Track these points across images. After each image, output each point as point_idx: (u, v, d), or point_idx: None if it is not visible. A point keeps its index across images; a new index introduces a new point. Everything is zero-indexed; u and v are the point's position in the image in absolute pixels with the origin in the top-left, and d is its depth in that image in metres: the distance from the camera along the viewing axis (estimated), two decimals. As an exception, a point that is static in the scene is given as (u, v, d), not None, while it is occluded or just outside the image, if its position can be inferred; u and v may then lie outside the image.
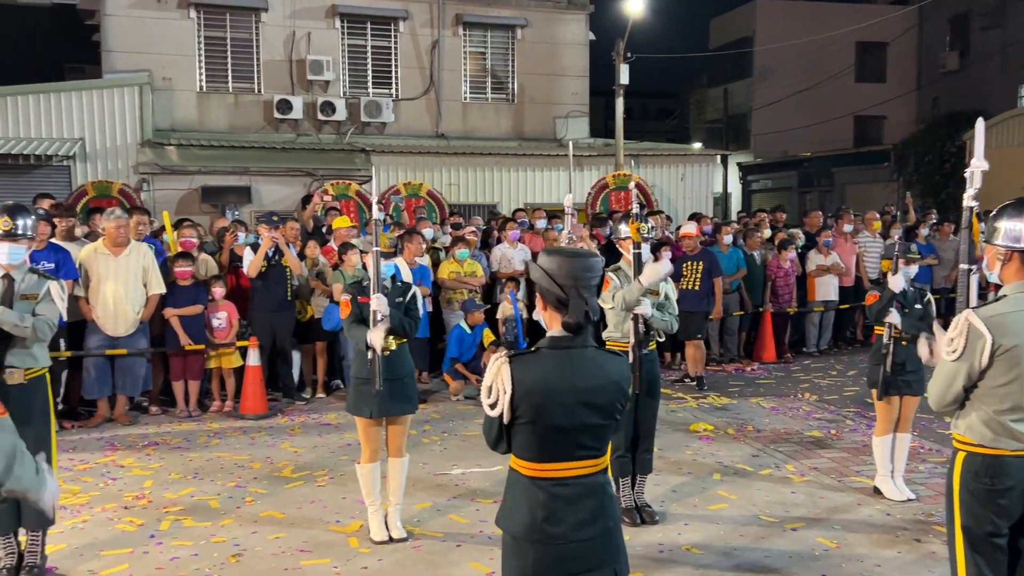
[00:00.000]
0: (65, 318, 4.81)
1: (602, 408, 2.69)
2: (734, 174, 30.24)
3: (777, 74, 28.36)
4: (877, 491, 5.83)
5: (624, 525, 5.07)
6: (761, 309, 10.73)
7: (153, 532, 5.22)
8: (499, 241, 10.43)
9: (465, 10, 16.06)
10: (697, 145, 23.86)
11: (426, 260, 9.24)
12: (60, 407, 7.37)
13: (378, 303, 4.90)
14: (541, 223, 10.96)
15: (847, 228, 11.53)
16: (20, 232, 4.50)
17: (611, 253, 9.95)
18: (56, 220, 7.94)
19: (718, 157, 20.60)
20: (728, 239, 10.44)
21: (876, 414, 5.92)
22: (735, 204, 29.18)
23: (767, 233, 11.45)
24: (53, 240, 7.71)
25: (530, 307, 9.83)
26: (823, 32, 24.89)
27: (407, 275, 5.76)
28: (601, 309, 4.76)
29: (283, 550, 4.95)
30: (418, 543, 5.05)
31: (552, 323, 2.77)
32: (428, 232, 10.18)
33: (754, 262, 10.67)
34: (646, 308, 5.16)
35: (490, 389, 2.68)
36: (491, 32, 16.48)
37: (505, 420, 2.67)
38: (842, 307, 11.35)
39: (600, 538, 2.72)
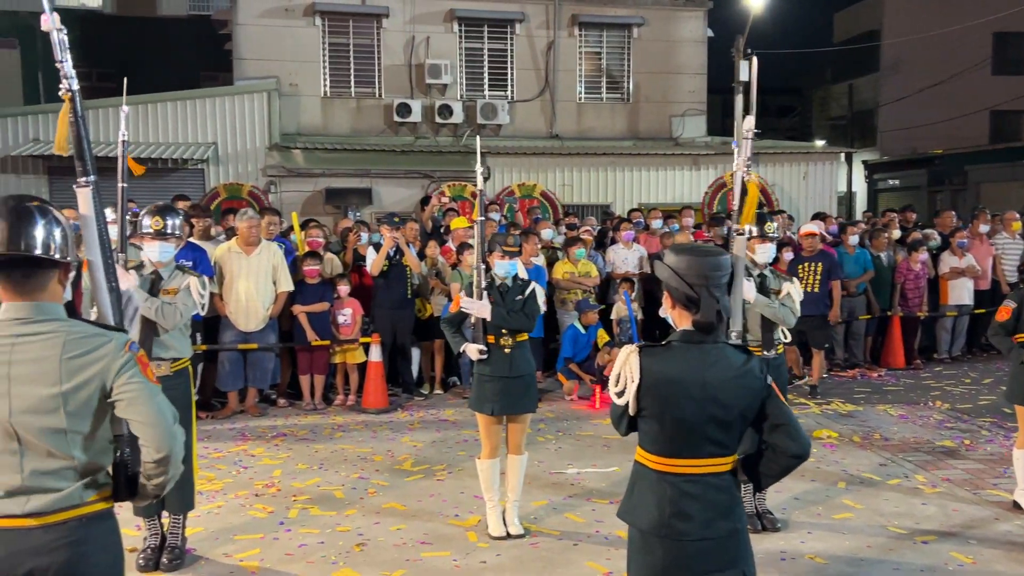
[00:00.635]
0: (203, 313, 5.08)
1: (732, 405, 2.66)
2: (859, 173, 29.11)
3: (906, 68, 27.15)
4: (1017, 506, 5.53)
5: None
6: (889, 313, 10.30)
7: (282, 519, 5.45)
8: (613, 241, 10.39)
9: (581, 11, 16.06)
10: (820, 143, 23.08)
11: (541, 260, 9.30)
12: (196, 398, 7.77)
13: (480, 308, 5.02)
14: (657, 223, 10.86)
15: (983, 229, 10.94)
16: (169, 231, 4.81)
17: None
18: (194, 220, 8.38)
19: (842, 155, 19.87)
20: (854, 240, 10.08)
21: (1017, 424, 5.60)
22: (860, 204, 28.11)
23: (896, 234, 10.99)
24: (191, 239, 8.14)
25: (644, 308, 9.76)
26: (957, 23, 23.68)
27: (523, 274, 5.85)
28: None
29: (404, 541, 5.08)
30: (535, 540, 5.10)
31: (681, 322, 2.76)
32: (547, 233, 10.25)
33: (881, 264, 10.26)
34: (750, 292, 5.08)
35: (618, 378, 2.71)
36: (607, 32, 16.42)
37: (631, 411, 2.69)
38: (977, 312, 10.77)
39: (730, 538, 2.69)
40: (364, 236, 9.30)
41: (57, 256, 2.37)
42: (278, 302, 8.23)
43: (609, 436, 7.25)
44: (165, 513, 4.84)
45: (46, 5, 2.56)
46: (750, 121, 3.28)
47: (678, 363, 2.67)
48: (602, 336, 8.89)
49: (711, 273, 2.70)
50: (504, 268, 5.22)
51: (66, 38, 2.55)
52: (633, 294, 9.26)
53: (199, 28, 19.45)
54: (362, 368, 8.54)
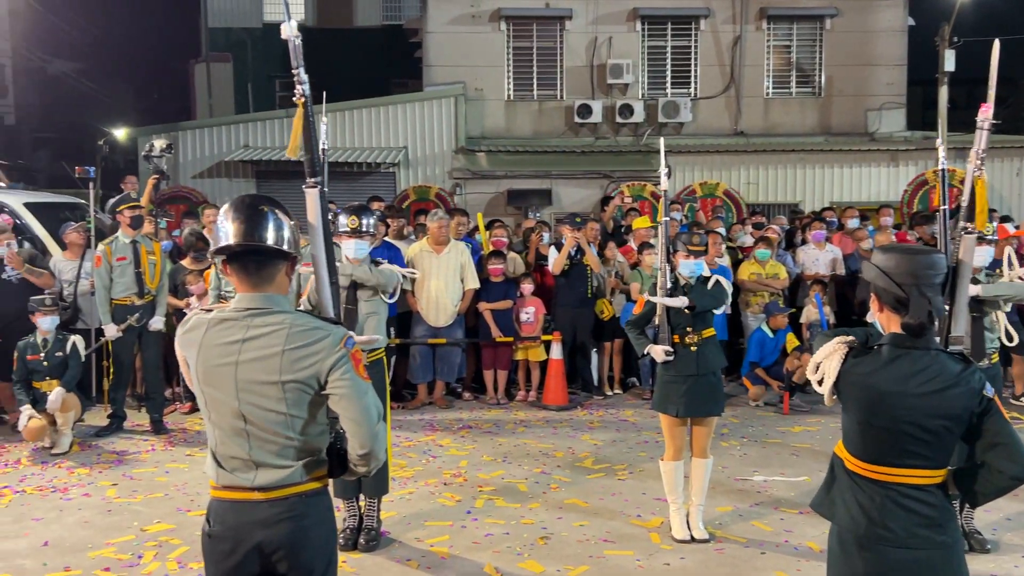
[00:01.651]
0: (393, 300, 5.34)
1: (939, 418, 2.51)
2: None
3: None
4: None
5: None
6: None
7: (469, 508, 5.64)
8: (804, 241, 9.99)
9: (770, 4, 15.53)
10: (1035, 136, 21.13)
11: (726, 260, 9.09)
12: (390, 388, 8.17)
13: (677, 300, 4.96)
14: (853, 222, 10.31)
15: None
16: (364, 230, 5.09)
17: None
18: (389, 220, 8.82)
19: (1062, 149, 18.10)
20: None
21: None
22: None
23: None
24: (386, 239, 8.57)
25: (837, 312, 9.32)
26: None
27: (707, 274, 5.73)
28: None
29: (587, 538, 5.13)
30: (720, 546, 5.00)
31: (890, 326, 2.64)
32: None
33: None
34: (975, 288, 4.75)
35: (818, 366, 2.67)
36: (797, 24, 15.79)
37: (826, 403, 2.67)
38: None
39: (938, 553, 2.54)
40: (546, 236, 9.45)
41: (286, 248, 2.57)
42: (465, 299, 8.51)
43: (798, 444, 6.99)
44: (362, 496, 5.13)
45: (286, 15, 2.77)
46: (987, 110, 3.05)
47: (882, 369, 2.55)
48: (791, 340, 8.57)
49: (923, 272, 2.57)
50: (689, 268, 5.15)
51: (301, 45, 2.74)
52: (825, 297, 8.87)
53: (391, 37, 20.36)
54: (543, 365, 8.68)
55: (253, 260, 2.53)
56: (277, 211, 2.57)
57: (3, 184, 10.30)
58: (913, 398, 2.51)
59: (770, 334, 8.52)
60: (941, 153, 3.85)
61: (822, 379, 2.63)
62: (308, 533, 2.52)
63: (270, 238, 2.52)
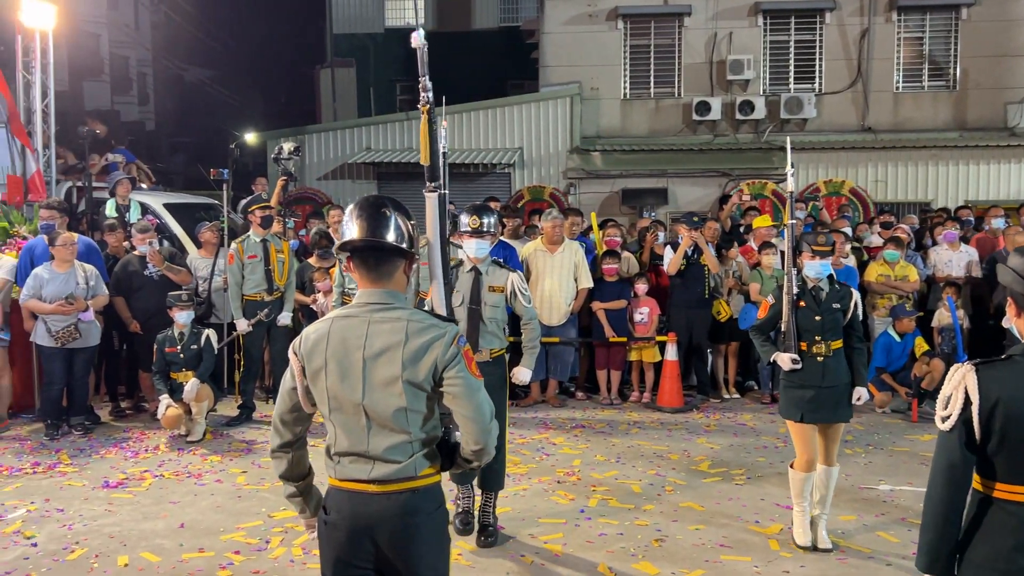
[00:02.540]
0: (530, 303, 5.41)
1: None
2: None
3: None
4: None
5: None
6: None
7: (583, 508, 5.64)
8: (934, 242, 9.52)
9: (901, -6, 14.89)
10: None
11: (851, 261, 8.77)
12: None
13: None
14: (998, 222, 9.72)
15: None
16: (485, 229, 5.15)
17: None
18: (505, 220, 8.92)
19: None
20: None
21: None
22: None
23: None
24: (502, 238, 8.66)
25: (972, 316, 8.85)
26: None
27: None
28: None
29: (703, 542, 5.05)
30: (843, 556, 4.84)
31: None
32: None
33: None
34: None
35: (948, 400, 2.48)
36: (930, 15, 15.05)
37: (977, 435, 2.43)
38: None
39: None
40: (661, 236, 9.34)
41: (405, 246, 2.67)
42: (579, 298, 8.52)
43: (927, 453, 6.67)
44: (478, 490, 5.21)
45: (417, 22, 2.87)
46: None
47: None
48: (920, 345, 8.19)
49: None
50: (815, 269, 5.00)
51: (427, 54, 2.84)
52: (959, 300, 8.43)
53: (508, 38, 20.58)
54: (658, 367, 8.59)
55: (373, 256, 2.66)
56: (398, 212, 2.69)
57: (145, 186, 10.96)
58: None
59: (897, 338, 8.17)
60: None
61: (950, 415, 2.44)
62: (420, 526, 2.59)
63: (390, 236, 2.64)
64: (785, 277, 5.03)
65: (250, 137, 21.51)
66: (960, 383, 2.44)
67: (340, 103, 21.84)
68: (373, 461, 2.59)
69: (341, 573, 2.62)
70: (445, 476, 2.83)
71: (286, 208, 9.49)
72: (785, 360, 4.92)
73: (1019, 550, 2.38)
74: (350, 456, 2.61)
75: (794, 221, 5.19)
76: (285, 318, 7.91)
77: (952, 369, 2.50)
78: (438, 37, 21.65)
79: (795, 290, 4.95)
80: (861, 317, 5.18)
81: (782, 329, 4.99)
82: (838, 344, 4.93)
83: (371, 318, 2.61)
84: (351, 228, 2.65)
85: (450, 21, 21.83)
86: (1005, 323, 2.72)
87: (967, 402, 2.42)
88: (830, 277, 5.04)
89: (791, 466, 5.03)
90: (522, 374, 5.36)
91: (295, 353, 2.69)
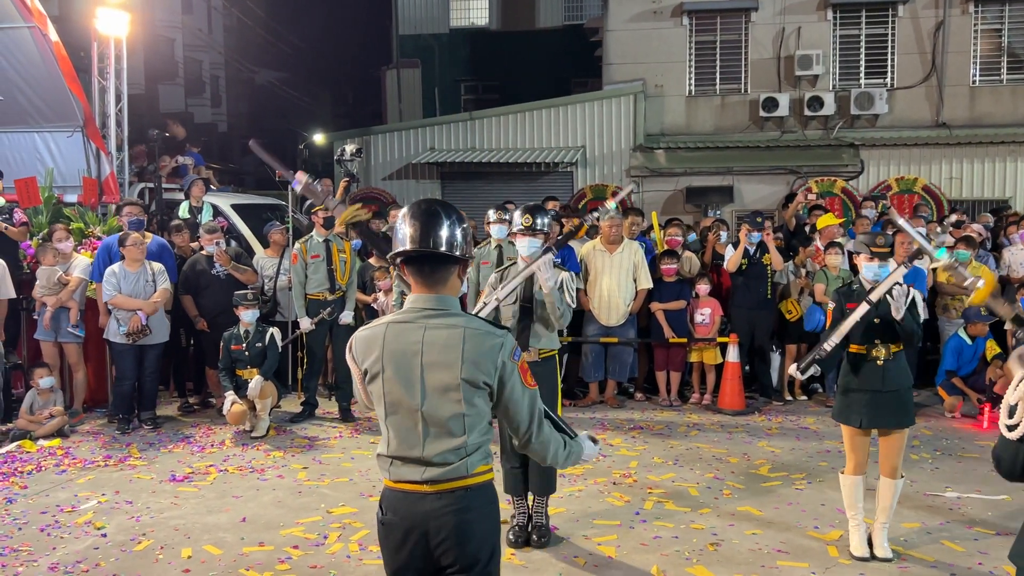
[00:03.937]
0: (572, 306, 5.38)
1: None
2: None
3: None
4: None
5: None
6: None
7: (638, 510, 5.61)
8: (1009, 241, 9.18)
9: (978, -15, 14.37)
10: None
11: (924, 262, 8.48)
12: (562, 386, 8.26)
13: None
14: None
15: None
16: (538, 228, 5.15)
17: None
18: (563, 220, 8.89)
19: None
20: None
21: None
22: None
23: None
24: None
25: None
26: None
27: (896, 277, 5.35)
28: None
29: (760, 547, 4.98)
30: (904, 564, 4.72)
31: None
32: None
33: None
34: None
35: (1013, 409, 2.40)
36: (1009, 5, 14.48)
37: None
38: None
39: None
40: (723, 235, 9.21)
41: (458, 253, 2.67)
42: (638, 298, 8.46)
43: (998, 461, 6.45)
44: (530, 493, 5.21)
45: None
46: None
47: None
48: (992, 348, 7.91)
49: None
50: (872, 271, 4.83)
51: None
52: (1035, 302, 8.11)
53: (572, 37, 20.50)
54: (719, 368, 8.47)
55: (428, 263, 2.66)
56: (451, 218, 2.67)
57: (214, 187, 11.26)
58: None
59: (968, 341, 7.90)
60: None
61: (1018, 424, 2.36)
62: (472, 525, 2.61)
63: (443, 243, 2.63)
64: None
65: (318, 138, 21.92)
66: None
67: (405, 103, 22.06)
68: (426, 464, 2.62)
69: (401, 573, 2.67)
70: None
71: (349, 208, 9.61)
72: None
73: None
74: (404, 459, 2.65)
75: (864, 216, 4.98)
76: (347, 317, 8.05)
77: (1018, 376, 2.42)
78: (502, 36, 21.76)
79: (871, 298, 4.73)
80: (923, 318, 5.02)
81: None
82: (898, 347, 4.78)
83: (427, 324, 2.63)
84: (404, 234, 2.65)
85: (514, 20, 21.86)
86: (1062, 326, 2.61)
87: None
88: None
89: (841, 472, 4.91)
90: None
91: (352, 356, 2.74)
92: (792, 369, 5.01)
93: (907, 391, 4.81)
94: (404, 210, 2.71)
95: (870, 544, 4.82)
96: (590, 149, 14.81)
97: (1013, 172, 13.68)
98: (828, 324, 4.98)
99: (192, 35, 27.57)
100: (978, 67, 14.65)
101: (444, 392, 2.60)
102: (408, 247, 2.64)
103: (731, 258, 8.37)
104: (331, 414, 8.17)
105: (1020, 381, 2.40)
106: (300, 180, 3.73)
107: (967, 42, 14.51)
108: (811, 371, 4.85)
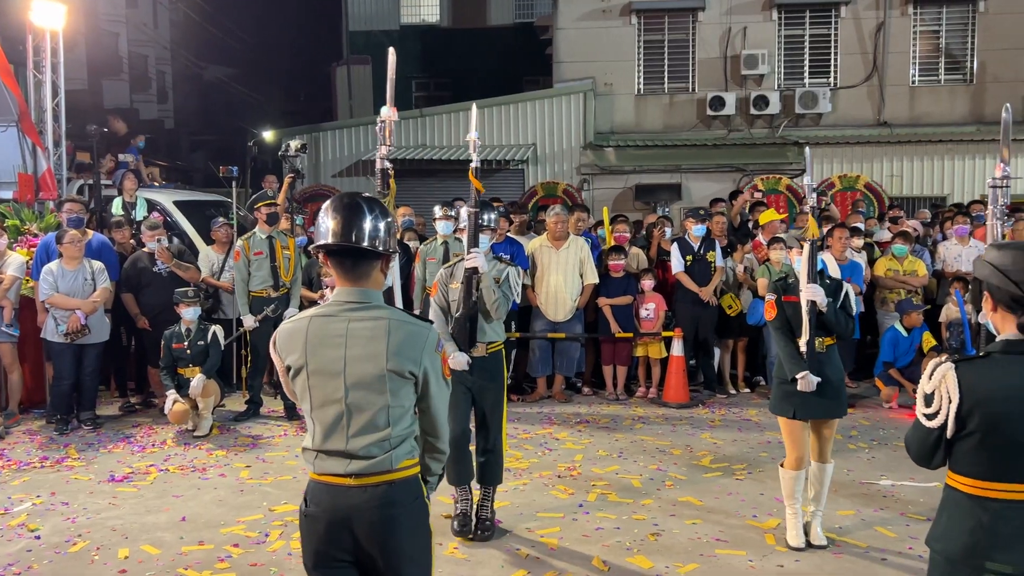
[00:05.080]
0: (518, 301, 5.40)
1: None
2: None
3: None
4: None
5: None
6: None
7: (581, 502, 5.65)
8: (945, 237, 9.43)
9: (917, -13, 14.73)
10: None
11: (862, 257, 8.70)
12: (509, 382, 8.29)
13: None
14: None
15: None
16: (486, 224, 5.16)
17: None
18: (513, 216, 8.93)
19: None
20: None
21: None
22: None
23: None
24: (509, 234, 8.69)
25: (981, 311, 8.76)
26: None
27: (834, 270, 5.48)
28: None
29: (699, 536, 5.05)
30: (839, 551, 4.82)
31: (1004, 327, 2.48)
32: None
33: None
34: None
35: (929, 398, 2.48)
36: (947, 8, 14.88)
37: (949, 433, 2.45)
38: None
39: None
40: (668, 231, 9.31)
41: (380, 248, 2.66)
42: (584, 294, 8.52)
43: (932, 449, 6.63)
44: (476, 485, 5.23)
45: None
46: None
47: (1004, 378, 2.39)
48: (928, 340, 8.12)
49: None
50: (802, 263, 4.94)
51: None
52: (967, 295, 8.34)
53: (523, 35, 20.56)
54: (664, 362, 8.57)
55: (350, 257, 2.65)
56: (375, 210, 2.65)
57: (157, 184, 11.07)
58: None
59: (904, 333, 8.10)
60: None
61: (935, 413, 2.45)
62: (397, 520, 2.61)
63: (365, 238, 2.62)
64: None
65: (268, 135, 21.66)
66: (942, 380, 2.44)
67: (356, 100, 21.90)
68: (351, 457, 2.61)
69: (321, 565, 2.65)
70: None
71: (295, 205, 9.54)
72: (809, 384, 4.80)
73: (993, 547, 2.40)
74: (329, 453, 2.64)
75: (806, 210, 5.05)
76: (292, 314, 7.96)
77: (931, 365, 2.50)
78: (453, 34, 21.73)
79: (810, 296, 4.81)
80: (856, 310, 5.13)
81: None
82: (831, 341, 4.89)
83: (350, 317, 2.62)
84: (326, 227, 2.62)
85: (465, 18, 21.87)
86: (982, 318, 2.70)
87: (947, 400, 2.42)
88: (821, 272, 4.99)
89: (781, 465, 5.00)
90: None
91: (275, 350, 2.71)
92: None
93: (840, 382, 4.92)
94: (327, 203, 2.69)
95: (807, 533, 4.92)
96: (541, 147, 14.87)
97: (951, 170, 14.06)
98: (773, 317, 5.03)
99: (137, 29, 27.04)
100: (917, 67, 15.03)
101: (369, 384, 2.59)
102: (329, 241, 2.62)
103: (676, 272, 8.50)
104: (276, 412, 8.09)
105: (933, 370, 2.47)
106: None
107: (907, 43, 14.89)
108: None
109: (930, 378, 2.48)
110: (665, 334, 8.54)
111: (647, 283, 8.65)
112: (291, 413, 7.88)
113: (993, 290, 2.50)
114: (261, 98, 29.69)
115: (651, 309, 8.60)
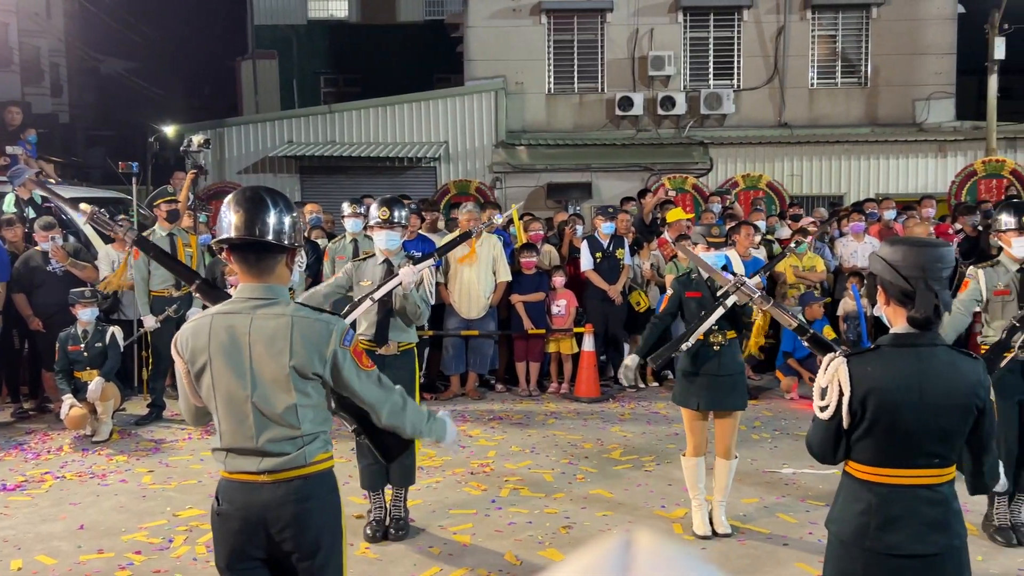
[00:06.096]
0: (433, 300, 5.37)
1: (953, 413, 2.48)
2: None
3: None
4: None
5: (997, 544, 4.62)
6: None
7: (494, 498, 5.67)
8: (842, 234, 9.82)
9: (815, -7, 15.28)
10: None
11: (761, 253, 8.98)
12: (422, 380, 8.24)
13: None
14: (889, 214, 10.11)
15: None
16: (396, 221, 5.11)
17: (976, 247, 8.95)
18: (424, 214, 8.89)
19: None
20: None
21: None
22: None
23: None
24: (421, 231, 8.65)
25: (875, 304, 9.15)
26: None
27: (739, 267, 5.66)
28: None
29: (609, 527, 5.13)
30: (743, 538, 4.97)
31: (896, 319, 2.60)
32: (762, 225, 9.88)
33: None
34: None
35: (824, 391, 2.57)
36: (843, 13, 15.49)
37: (845, 424, 2.54)
38: None
39: (945, 556, 2.50)
40: (579, 229, 9.42)
41: (285, 242, 2.61)
42: (497, 291, 8.55)
43: (830, 437, 6.89)
44: (388, 486, 5.18)
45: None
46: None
47: (892, 370, 2.50)
48: (827, 333, 8.43)
49: (930, 265, 2.52)
50: (710, 259, 5.07)
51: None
52: (863, 289, 8.71)
53: (433, 32, 20.47)
54: (576, 358, 8.67)
55: (253, 252, 2.60)
56: (279, 204, 2.61)
57: (53, 181, 10.58)
58: (925, 395, 2.47)
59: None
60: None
61: (828, 405, 2.55)
62: (312, 514, 2.59)
63: (269, 231, 2.57)
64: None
65: (170, 130, 20.99)
66: (834, 375, 2.54)
67: (262, 96, 21.43)
68: (262, 455, 2.57)
69: (235, 563, 2.61)
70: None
71: (200, 202, 9.29)
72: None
73: (882, 528, 2.52)
74: (239, 451, 2.59)
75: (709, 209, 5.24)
76: (194, 314, 7.73)
77: (825, 360, 2.60)
78: (362, 29, 21.47)
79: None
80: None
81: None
82: (733, 335, 5.03)
83: (254, 314, 2.57)
84: (228, 221, 2.57)
85: (375, 13, 21.63)
86: (876, 311, 2.83)
87: (840, 392, 2.52)
88: (725, 267, 5.13)
89: (683, 455, 5.13)
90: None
91: (177, 351, 2.64)
92: (631, 360, 5.17)
93: (740, 375, 5.08)
94: (229, 197, 2.64)
95: (712, 522, 5.05)
96: (453, 145, 14.84)
97: (847, 169, 14.64)
98: (664, 307, 5.18)
99: (28, 19, 25.81)
100: (815, 70, 15.59)
101: (274, 382, 2.55)
102: (232, 235, 2.56)
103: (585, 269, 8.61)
104: (179, 415, 7.81)
105: (828, 364, 2.57)
106: (85, 212, 3.43)
107: (805, 47, 15.43)
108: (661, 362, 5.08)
109: (825, 372, 2.58)
110: (576, 330, 8.64)
111: (558, 280, 8.73)
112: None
113: (886, 285, 2.61)
114: (163, 93, 28.72)
115: (562, 306, 8.69)
